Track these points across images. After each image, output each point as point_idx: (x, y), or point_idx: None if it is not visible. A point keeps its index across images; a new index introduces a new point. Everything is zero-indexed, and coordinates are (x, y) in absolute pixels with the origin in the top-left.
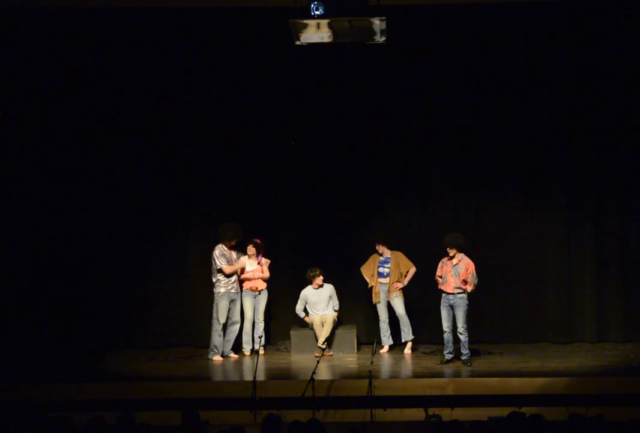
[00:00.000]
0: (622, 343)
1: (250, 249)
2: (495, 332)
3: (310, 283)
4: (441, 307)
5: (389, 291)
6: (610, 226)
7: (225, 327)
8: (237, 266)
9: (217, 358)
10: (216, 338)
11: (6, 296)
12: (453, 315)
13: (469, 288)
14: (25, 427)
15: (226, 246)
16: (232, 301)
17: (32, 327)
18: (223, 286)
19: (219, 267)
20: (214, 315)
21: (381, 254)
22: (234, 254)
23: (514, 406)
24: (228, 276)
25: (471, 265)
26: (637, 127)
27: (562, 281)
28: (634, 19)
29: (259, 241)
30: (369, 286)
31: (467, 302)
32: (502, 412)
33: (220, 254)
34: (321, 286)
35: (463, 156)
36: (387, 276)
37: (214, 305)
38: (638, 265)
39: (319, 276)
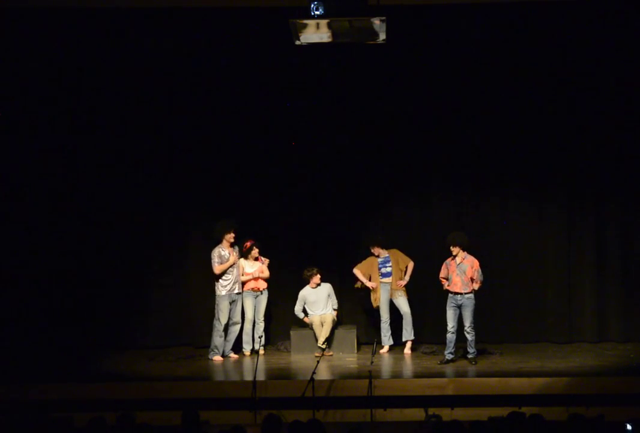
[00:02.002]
0: (622, 343)
1: (255, 250)
2: (495, 332)
3: (308, 282)
4: (447, 307)
5: (392, 289)
6: (610, 226)
7: (226, 327)
8: (225, 265)
9: (218, 358)
10: (217, 338)
11: (6, 296)
12: (459, 315)
13: (476, 286)
14: (25, 427)
15: (225, 246)
16: (232, 301)
17: (32, 327)
18: (223, 288)
19: (213, 266)
20: (216, 315)
21: (378, 256)
22: (234, 253)
23: (514, 406)
24: (227, 276)
25: (476, 262)
26: (637, 127)
27: (562, 281)
28: (634, 19)
29: (254, 242)
30: (358, 284)
31: (474, 302)
32: (502, 412)
33: (217, 255)
34: (319, 285)
35: (463, 156)
36: (389, 275)
37: (216, 305)
38: (638, 265)
39: (316, 275)
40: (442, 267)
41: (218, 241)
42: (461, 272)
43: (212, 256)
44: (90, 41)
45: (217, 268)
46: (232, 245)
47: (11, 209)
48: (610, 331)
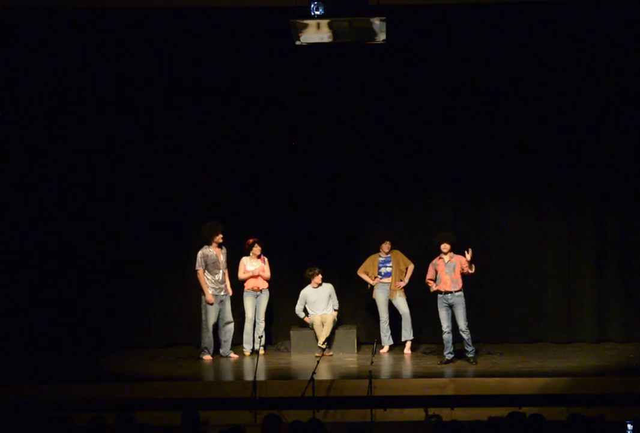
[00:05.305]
0: (622, 343)
1: (257, 247)
2: (496, 332)
3: (309, 282)
4: (439, 308)
5: (391, 290)
6: (610, 226)
7: (217, 328)
8: (202, 279)
9: (207, 357)
10: (205, 339)
11: (6, 295)
12: (452, 315)
13: (471, 270)
14: (25, 427)
15: (213, 247)
16: (220, 302)
17: (32, 327)
18: (210, 288)
19: (195, 268)
20: (203, 316)
21: (384, 254)
22: (221, 255)
23: (514, 406)
24: (212, 278)
25: (463, 259)
26: (637, 127)
27: (562, 281)
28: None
29: (257, 239)
30: (369, 286)
31: (464, 299)
32: (502, 412)
33: (202, 256)
34: (320, 285)
35: (463, 156)
36: (389, 275)
37: (202, 306)
38: (638, 265)
39: (317, 274)
40: (429, 268)
41: (206, 243)
42: (450, 270)
43: (197, 257)
44: (91, 42)
45: (199, 272)
46: (220, 246)
47: (11, 209)
48: (610, 331)
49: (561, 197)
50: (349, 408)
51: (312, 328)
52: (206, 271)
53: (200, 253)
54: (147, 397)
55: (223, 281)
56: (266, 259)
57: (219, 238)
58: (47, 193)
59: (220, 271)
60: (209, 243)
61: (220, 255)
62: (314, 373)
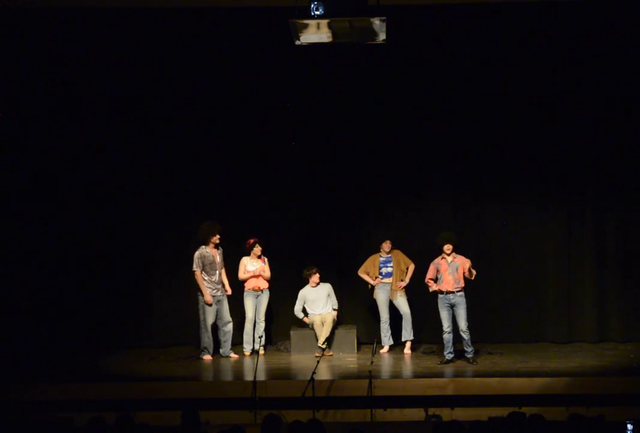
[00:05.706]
0: (622, 343)
1: (257, 248)
2: (495, 332)
3: (307, 281)
4: (440, 308)
5: (392, 290)
6: (610, 225)
7: (216, 328)
8: (200, 279)
9: (207, 357)
10: (205, 339)
11: (6, 295)
12: (453, 315)
13: (471, 278)
14: (25, 427)
15: (210, 248)
16: (217, 302)
17: (32, 327)
18: (207, 289)
19: (193, 269)
20: (201, 317)
21: (385, 254)
22: (217, 255)
23: (514, 406)
24: (209, 278)
25: (466, 261)
26: (638, 127)
27: (562, 281)
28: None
29: (258, 239)
30: (369, 286)
31: (465, 300)
32: (502, 412)
33: (199, 256)
34: (318, 284)
35: (462, 156)
36: (390, 275)
37: (200, 307)
38: (638, 265)
39: (315, 274)
40: (430, 268)
41: (203, 243)
42: (453, 270)
43: (194, 258)
44: (91, 41)
45: (197, 273)
46: (216, 247)
47: (11, 209)
48: (610, 331)
49: (561, 197)
50: (349, 408)
51: (312, 328)
52: (203, 272)
53: (197, 254)
54: (147, 397)
55: (220, 282)
56: (266, 259)
57: (216, 238)
58: (48, 193)
59: (217, 271)
60: (205, 244)
61: (217, 256)
62: (314, 373)
